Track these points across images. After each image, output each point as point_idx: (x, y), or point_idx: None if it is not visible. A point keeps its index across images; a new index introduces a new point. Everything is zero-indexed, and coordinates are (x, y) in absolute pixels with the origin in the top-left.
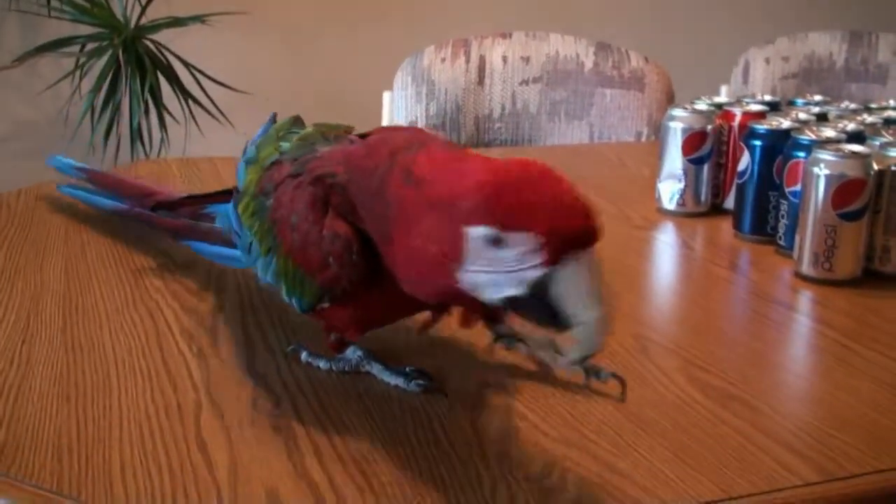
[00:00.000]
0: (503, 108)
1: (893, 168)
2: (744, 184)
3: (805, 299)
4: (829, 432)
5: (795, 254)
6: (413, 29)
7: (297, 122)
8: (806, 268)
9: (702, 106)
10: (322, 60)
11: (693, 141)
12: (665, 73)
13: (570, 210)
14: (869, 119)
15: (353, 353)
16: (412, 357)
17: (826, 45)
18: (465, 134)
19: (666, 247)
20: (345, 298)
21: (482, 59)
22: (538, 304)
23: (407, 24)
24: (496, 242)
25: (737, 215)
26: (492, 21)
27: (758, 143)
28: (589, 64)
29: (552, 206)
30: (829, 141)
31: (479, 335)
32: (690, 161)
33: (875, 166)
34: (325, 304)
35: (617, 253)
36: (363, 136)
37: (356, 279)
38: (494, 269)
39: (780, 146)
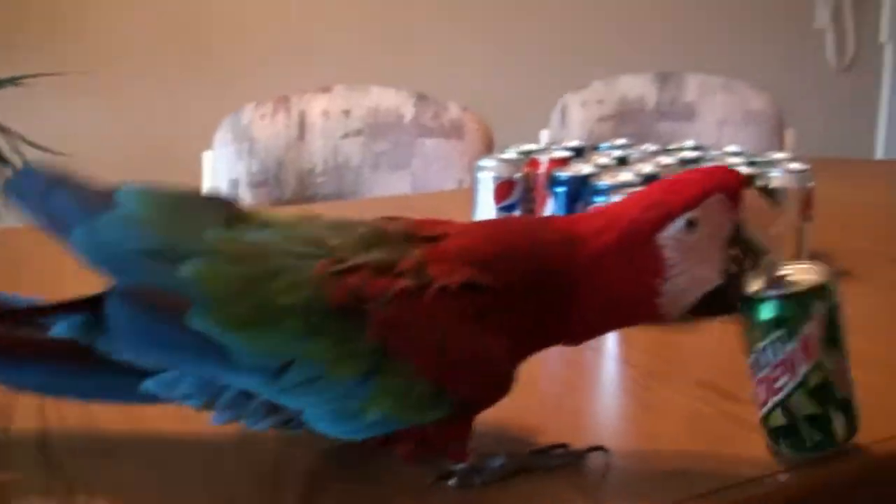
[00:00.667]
0: (325, 162)
1: None
2: None
3: (607, 338)
4: (624, 467)
5: None
6: (232, 87)
7: (228, 205)
8: None
9: (511, 154)
10: (142, 120)
11: (503, 189)
12: (483, 121)
13: (719, 169)
14: (665, 161)
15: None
16: None
17: (637, 87)
18: (288, 190)
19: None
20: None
21: (302, 115)
22: (721, 294)
23: (226, 83)
24: (692, 225)
25: None
26: (312, 76)
27: (561, 189)
28: (409, 115)
29: (706, 172)
30: (624, 185)
31: None
32: (501, 209)
33: None
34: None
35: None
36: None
37: (502, 396)
38: (696, 258)
39: (581, 192)
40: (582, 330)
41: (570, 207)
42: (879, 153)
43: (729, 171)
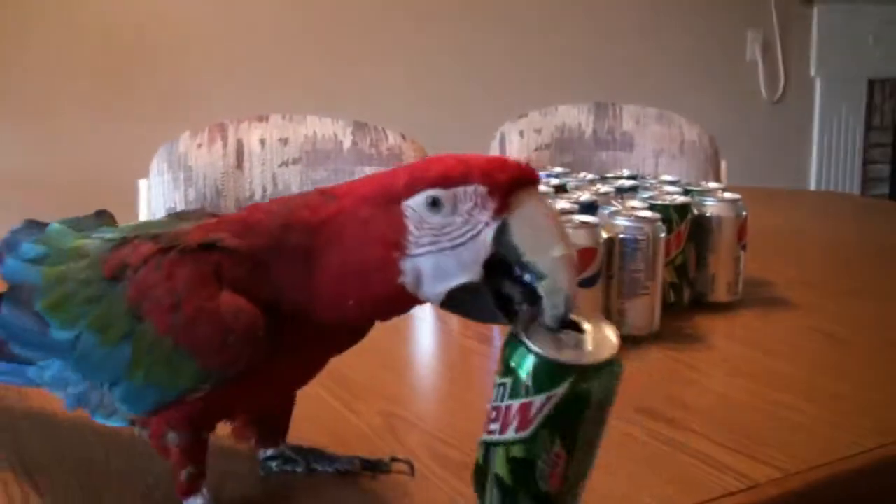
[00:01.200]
0: (264, 190)
1: (621, 236)
2: None
3: None
4: None
5: None
6: (167, 115)
7: (103, 215)
8: None
9: None
10: (76, 148)
11: None
12: (422, 148)
13: (500, 160)
14: (603, 188)
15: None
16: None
17: (575, 116)
18: None
19: (420, 322)
20: (229, 384)
21: (240, 143)
22: (483, 292)
23: (161, 111)
24: (435, 205)
25: None
26: (248, 105)
27: None
28: (347, 143)
29: (483, 161)
30: (562, 212)
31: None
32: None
33: (604, 234)
34: (201, 392)
35: (373, 331)
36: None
37: (257, 359)
38: (441, 244)
39: None
40: (326, 296)
41: None
42: (812, 183)
43: (514, 166)
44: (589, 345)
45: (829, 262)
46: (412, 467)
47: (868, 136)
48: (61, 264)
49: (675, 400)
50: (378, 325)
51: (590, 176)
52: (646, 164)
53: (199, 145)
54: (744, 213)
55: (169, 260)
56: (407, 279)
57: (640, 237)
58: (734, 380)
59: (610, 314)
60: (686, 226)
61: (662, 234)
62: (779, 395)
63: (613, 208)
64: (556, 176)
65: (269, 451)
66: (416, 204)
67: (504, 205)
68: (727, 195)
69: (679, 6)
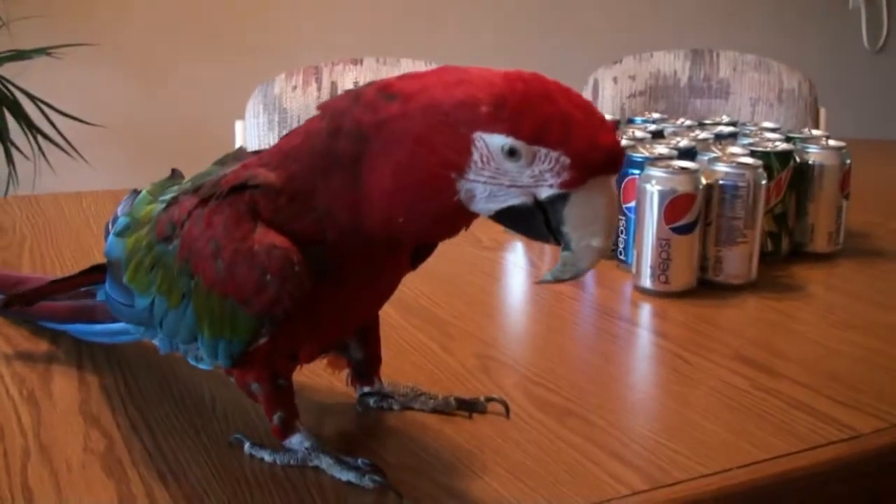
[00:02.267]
0: None
1: (721, 182)
2: None
3: (643, 312)
4: (659, 441)
5: (633, 268)
6: (264, 57)
7: (175, 176)
8: (644, 281)
9: None
10: (173, 91)
11: None
12: None
13: (601, 129)
14: (701, 135)
15: (300, 443)
16: (362, 447)
17: (670, 63)
18: None
19: (514, 267)
20: (286, 325)
21: (333, 86)
22: (534, 219)
23: (257, 53)
24: (512, 154)
25: None
26: (343, 48)
27: None
28: None
29: (583, 123)
30: (660, 158)
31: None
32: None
33: (703, 181)
34: (264, 340)
35: (465, 273)
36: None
37: (300, 295)
38: (500, 181)
39: None
40: (375, 210)
41: None
42: None
43: (607, 148)
44: None
45: None
46: (507, 408)
47: None
48: (136, 233)
49: (775, 349)
50: (472, 270)
51: (688, 122)
52: (742, 112)
53: (294, 87)
54: (847, 161)
55: (207, 210)
56: (461, 196)
57: (740, 184)
58: (834, 330)
59: (707, 261)
60: (787, 174)
61: (763, 182)
62: (880, 344)
63: (713, 154)
64: (654, 122)
65: (366, 388)
66: (491, 142)
67: (579, 182)
68: (831, 142)
69: None
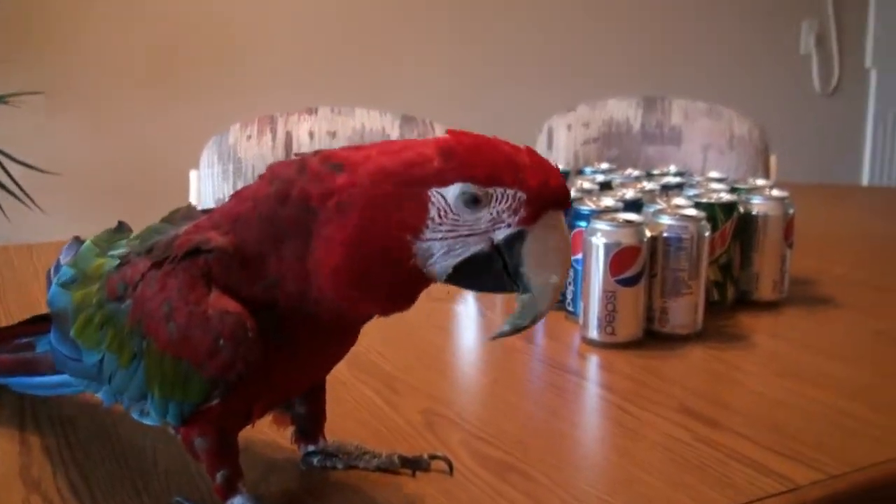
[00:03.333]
0: None
1: (665, 234)
2: None
3: (590, 364)
4: (600, 497)
5: (581, 319)
6: (218, 107)
7: (121, 228)
8: (591, 332)
9: None
10: (128, 140)
11: None
12: None
13: (549, 167)
14: (648, 186)
15: (241, 502)
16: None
17: (623, 110)
18: None
19: (464, 319)
20: (239, 387)
21: (288, 136)
22: (492, 265)
23: (212, 102)
24: (473, 202)
25: None
26: (297, 98)
27: None
28: (395, 136)
29: (531, 162)
30: (606, 210)
31: (371, 485)
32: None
33: (648, 233)
34: (215, 402)
35: (415, 325)
36: (207, 211)
37: (253, 360)
38: (458, 232)
39: None
40: (325, 279)
41: None
42: (865, 179)
43: (556, 181)
44: None
45: (878, 261)
46: (451, 465)
47: None
48: (84, 287)
49: (718, 400)
50: (422, 322)
51: (635, 173)
52: (694, 158)
53: (249, 137)
54: (791, 210)
55: (161, 273)
56: (416, 259)
57: (684, 236)
58: (778, 380)
59: (653, 312)
60: (732, 224)
61: (707, 234)
62: (822, 395)
63: (658, 206)
64: (602, 172)
65: (311, 447)
66: (448, 194)
67: (534, 217)
68: (774, 192)
69: None
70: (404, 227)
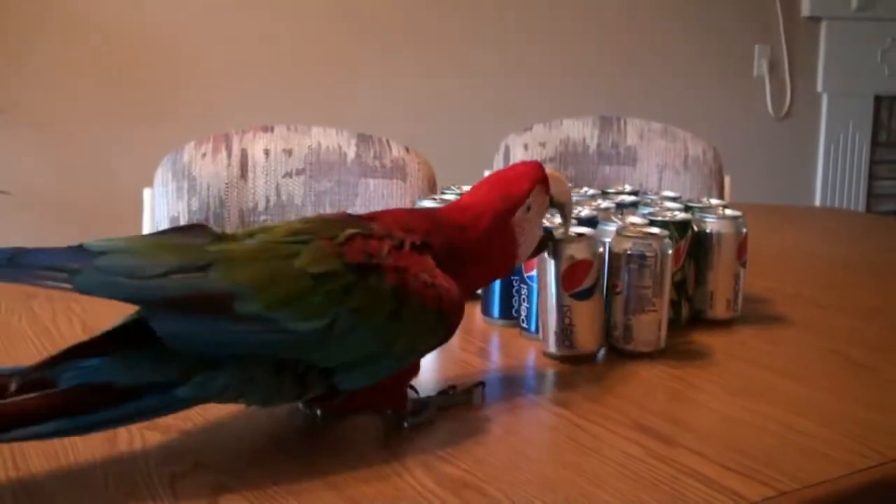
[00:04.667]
0: (268, 201)
1: (629, 252)
2: None
3: (547, 380)
4: None
5: (541, 334)
6: (172, 125)
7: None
8: (551, 347)
9: (450, 195)
10: (80, 158)
11: None
12: (426, 161)
13: (537, 167)
14: (604, 204)
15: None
16: None
17: (579, 130)
18: (231, 227)
19: None
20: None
21: (244, 153)
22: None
23: (166, 120)
24: (528, 209)
25: (484, 300)
26: (252, 116)
27: None
28: (351, 154)
29: (532, 172)
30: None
31: None
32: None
33: (600, 248)
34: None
35: None
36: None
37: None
38: (531, 227)
39: None
40: (474, 281)
41: None
42: (817, 200)
43: (538, 167)
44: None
45: (830, 280)
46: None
47: (874, 152)
48: (254, 266)
49: (672, 417)
50: None
51: (591, 191)
52: (649, 178)
53: (204, 155)
54: (744, 230)
55: (406, 252)
56: (519, 256)
57: (647, 254)
58: (731, 397)
59: (616, 329)
60: (686, 242)
61: (670, 252)
62: (775, 412)
63: (614, 224)
64: None
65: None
66: (519, 214)
67: (548, 189)
68: (728, 212)
69: (687, 21)
70: (511, 249)
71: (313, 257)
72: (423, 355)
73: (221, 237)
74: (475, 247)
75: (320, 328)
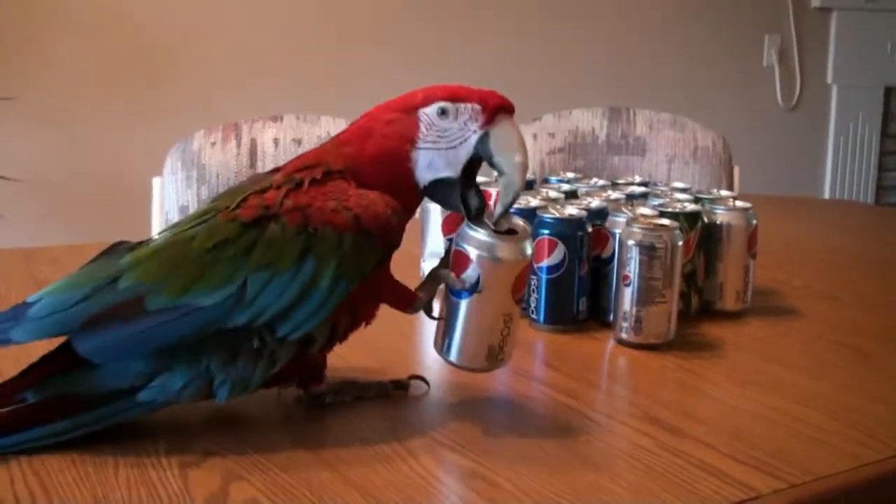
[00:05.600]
0: None
1: (639, 243)
2: None
3: (556, 372)
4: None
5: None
6: (182, 113)
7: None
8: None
9: None
10: (90, 146)
11: (451, 220)
12: None
13: (492, 92)
14: (614, 195)
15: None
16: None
17: (588, 120)
18: None
19: (430, 329)
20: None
21: (253, 143)
22: (455, 188)
23: (176, 109)
24: (444, 113)
25: None
26: (261, 106)
27: None
28: None
29: (481, 90)
30: (570, 219)
31: None
32: (449, 239)
33: (630, 242)
34: (378, 266)
35: (380, 333)
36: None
37: (403, 228)
38: (440, 144)
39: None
40: (375, 175)
41: None
42: (826, 192)
43: (500, 97)
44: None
45: (839, 272)
46: (427, 384)
47: (884, 144)
48: (156, 261)
49: (682, 409)
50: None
51: (601, 182)
52: (658, 169)
53: (213, 144)
54: (754, 221)
55: (307, 189)
56: (412, 165)
57: (658, 245)
58: (741, 389)
59: (626, 321)
60: (696, 234)
61: (680, 243)
62: (783, 404)
63: (624, 214)
64: (568, 181)
65: (321, 387)
66: (429, 111)
67: (489, 121)
68: (738, 203)
69: (696, 11)
70: (405, 138)
71: (208, 233)
72: (365, 275)
73: (134, 246)
74: (371, 155)
75: (234, 292)
